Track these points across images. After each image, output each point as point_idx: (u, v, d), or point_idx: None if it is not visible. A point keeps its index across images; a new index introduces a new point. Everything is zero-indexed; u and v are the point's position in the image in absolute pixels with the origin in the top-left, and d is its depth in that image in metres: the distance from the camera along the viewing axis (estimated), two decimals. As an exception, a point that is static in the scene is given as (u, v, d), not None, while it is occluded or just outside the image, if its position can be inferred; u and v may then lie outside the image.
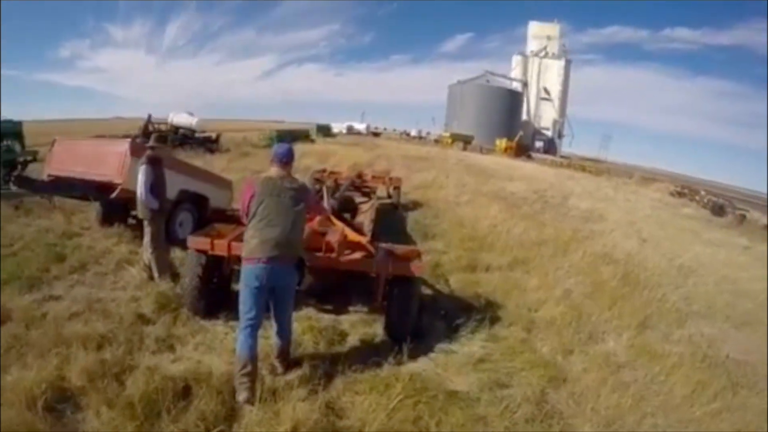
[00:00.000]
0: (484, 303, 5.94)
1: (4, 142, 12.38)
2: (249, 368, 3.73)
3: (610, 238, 11.89)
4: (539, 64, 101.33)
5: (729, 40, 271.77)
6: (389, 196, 13.22)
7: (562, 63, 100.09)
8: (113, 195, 7.27)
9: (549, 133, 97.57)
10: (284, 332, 4.16)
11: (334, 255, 5.19)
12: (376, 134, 74.01)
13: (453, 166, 27.89)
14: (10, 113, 13.96)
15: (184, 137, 24.99)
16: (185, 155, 18.77)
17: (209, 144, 25.48)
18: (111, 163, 7.43)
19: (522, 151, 60.52)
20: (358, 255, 5.50)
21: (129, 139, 8.21)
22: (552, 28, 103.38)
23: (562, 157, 74.13)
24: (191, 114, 26.75)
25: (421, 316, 5.33)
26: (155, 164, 6.13)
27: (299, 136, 39.17)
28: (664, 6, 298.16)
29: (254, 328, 3.84)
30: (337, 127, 66.51)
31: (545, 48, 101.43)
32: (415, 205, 13.49)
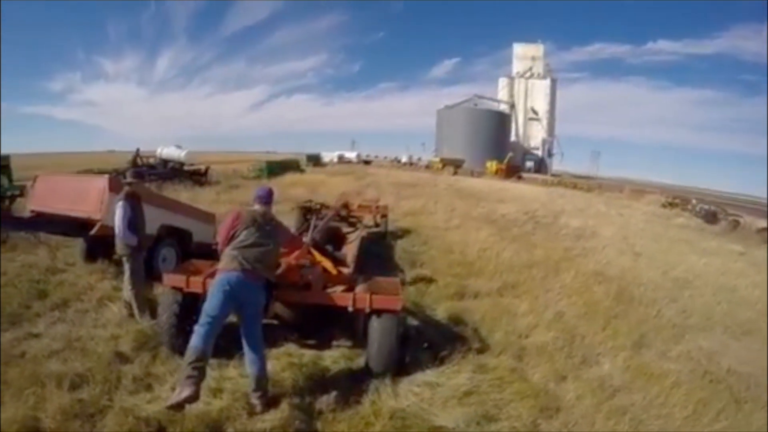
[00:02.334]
0: (471, 332, 5.73)
1: None
2: (201, 362, 3.70)
3: (603, 254, 11.75)
4: (526, 85, 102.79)
5: (711, 49, 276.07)
6: (377, 225, 13.00)
7: (547, 82, 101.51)
8: (92, 231, 7.16)
9: (539, 153, 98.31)
10: (257, 356, 4.13)
11: (310, 290, 5.05)
12: (366, 162, 74.32)
13: (443, 191, 27.91)
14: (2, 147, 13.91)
15: (173, 170, 25.06)
16: (174, 188, 18.79)
17: (198, 177, 25.63)
18: (90, 199, 7.34)
19: (513, 172, 60.77)
20: (337, 289, 5.34)
21: (107, 175, 8.08)
22: (536, 49, 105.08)
23: (552, 175, 74.59)
24: (180, 147, 26.88)
25: (405, 349, 5.12)
26: (133, 200, 6.04)
27: (289, 166, 39.19)
28: (645, 20, 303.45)
29: (213, 327, 3.86)
30: (328, 156, 66.85)
31: (530, 69, 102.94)
32: (404, 233, 13.29)
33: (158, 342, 5.15)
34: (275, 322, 5.44)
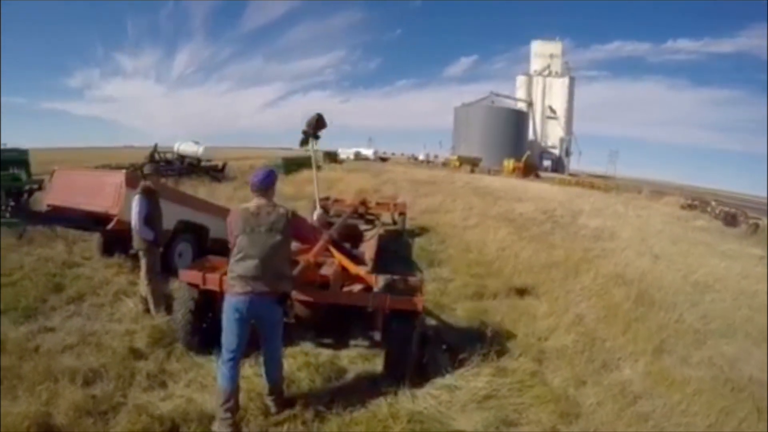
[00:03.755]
0: (491, 333, 5.67)
1: (11, 170, 12.48)
2: (231, 403, 3.62)
3: (623, 256, 11.60)
4: (543, 83, 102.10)
5: (730, 48, 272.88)
6: (394, 222, 12.99)
7: (566, 80, 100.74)
8: (109, 226, 7.24)
9: (556, 152, 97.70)
10: (274, 368, 4.01)
11: (328, 289, 5.01)
12: (383, 159, 74.31)
13: (460, 189, 27.82)
14: (19, 141, 14.14)
15: (190, 166, 25.27)
16: (191, 184, 18.93)
17: (215, 172, 25.71)
18: (107, 194, 7.41)
19: (530, 170, 60.36)
20: (355, 288, 5.33)
21: (124, 170, 8.16)
22: (555, 47, 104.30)
23: (570, 175, 73.99)
24: (197, 143, 27.08)
25: (423, 350, 5.07)
26: (150, 195, 6.06)
27: (306, 162, 39.16)
28: (665, 18, 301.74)
29: (236, 360, 3.72)
30: (345, 153, 66.74)
31: (548, 66, 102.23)
32: (422, 231, 13.27)
33: (174, 339, 5.16)
34: (292, 320, 5.46)
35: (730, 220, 24.36)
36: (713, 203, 29.28)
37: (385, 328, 4.94)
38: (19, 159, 13.31)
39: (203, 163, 26.23)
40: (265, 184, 3.88)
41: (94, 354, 4.84)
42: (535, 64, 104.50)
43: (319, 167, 39.25)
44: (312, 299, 4.96)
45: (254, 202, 3.85)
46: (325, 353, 5.26)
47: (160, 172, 20.30)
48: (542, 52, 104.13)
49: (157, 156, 24.99)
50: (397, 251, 10.45)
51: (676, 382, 5.10)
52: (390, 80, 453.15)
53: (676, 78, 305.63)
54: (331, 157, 54.17)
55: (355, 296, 5.15)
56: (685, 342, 6.43)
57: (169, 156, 26.04)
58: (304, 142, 6.94)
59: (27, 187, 12.21)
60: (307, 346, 5.37)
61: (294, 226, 3.91)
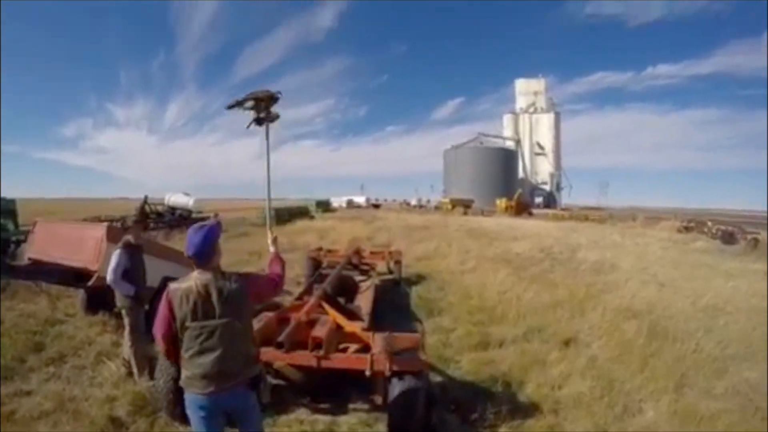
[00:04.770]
0: (501, 386, 5.33)
1: None
2: None
3: (627, 288, 11.32)
4: (530, 120, 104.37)
5: (709, 68, 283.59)
6: (390, 271, 12.76)
7: (551, 116, 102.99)
8: (90, 283, 6.98)
9: (547, 187, 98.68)
10: None
11: (321, 352, 4.68)
12: (376, 206, 74.97)
13: (455, 232, 27.66)
14: (12, 191, 14.06)
15: (181, 218, 25.27)
16: (181, 236, 18.73)
17: None
18: (87, 248, 7.17)
19: (523, 208, 60.70)
20: (352, 348, 5.05)
21: (105, 224, 7.91)
22: (538, 84, 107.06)
23: (562, 209, 74.54)
24: (188, 195, 27.30)
25: (430, 412, 4.71)
26: (131, 249, 5.80)
27: (299, 212, 39.28)
28: (643, 45, 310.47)
29: None
30: (337, 201, 67.36)
31: (534, 104, 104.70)
32: (419, 278, 12.94)
33: (156, 407, 4.80)
34: (283, 383, 5.10)
35: (728, 238, 24.23)
36: (709, 223, 29.20)
37: (386, 390, 4.60)
38: (6, 209, 13.15)
39: (194, 215, 26.24)
40: (207, 253, 2.94)
41: (72, 422, 4.57)
42: (521, 102, 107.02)
43: (312, 216, 39.47)
44: (304, 364, 4.67)
45: (196, 277, 2.91)
46: (322, 420, 4.87)
47: (144, 226, 20.19)
48: (526, 89, 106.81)
49: (147, 208, 24.92)
50: (394, 301, 10.16)
51: (704, 418, 4.83)
52: (379, 126, 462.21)
53: (660, 103, 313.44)
54: (324, 205, 54.45)
55: (351, 359, 4.83)
56: (706, 372, 6.12)
57: (159, 208, 26.09)
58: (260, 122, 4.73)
59: (14, 238, 12.00)
60: (302, 413, 4.99)
61: (252, 294, 3.06)
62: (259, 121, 4.54)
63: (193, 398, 2.92)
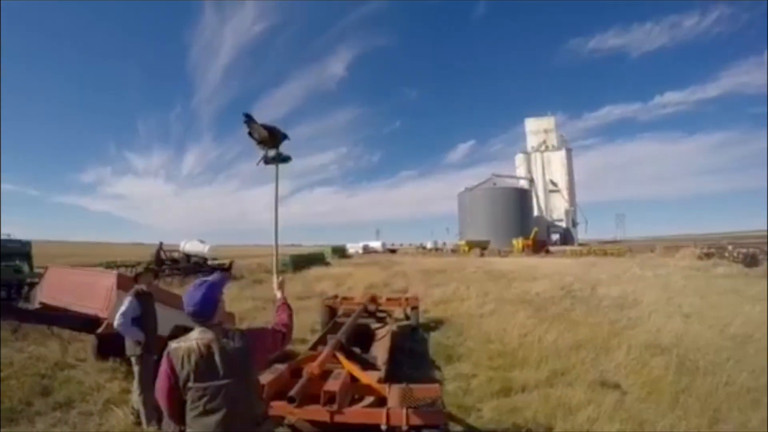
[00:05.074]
0: None
1: (13, 262, 12.35)
2: None
3: (652, 322, 11.05)
4: (542, 158, 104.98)
5: (715, 91, 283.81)
6: (407, 318, 12.54)
7: (563, 153, 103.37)
8: (99, 330, 6.96)
9: (563, 224, 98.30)
10: None
11: (335, 407, 4.52)
12: (392, 251, 75.01)
13: (472, 274, 27.45)
14: (29, 233, 14.21)
15: (196, 265, 25.28)
16: None
17: (222, 272, 25.61)
18: (98, 295, 7.17)
19: (540, 246, 60.35)
20: (367, 401, 4.91)
21: (116, 272, 7.91)
22: (548, 122, 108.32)
23: (580, 245, 73.79)
24: (203, 242, 27.28)
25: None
26: (142, 297, 5.79)
27: (315, 259, 39.24)
28: (648, 75, 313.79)
29: None
30: (353, 247, 67.43)
31: (545, 141, 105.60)
32: (437, 324, 12.67)
33: None
34: None
35: (751, 261, 23.81)
36: (730, 247, 28.80)
37: None
38: (22, 251, 13.27)
39: (209, 262, 26.37)
40: (209, 310, 2.78)
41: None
42: (532, 141, 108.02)
43: (327, 263, 39.32)
44: (317, 419, 4.52)
45: (198, 336, 2.75)
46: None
47: (155, 273, 20.26)
48: (537, 128, 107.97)
49: (162, 254, 25.07)
50: (412, 349, 9.90)
51: (744, 456, 4.55)
52: (393, 172, 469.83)
53: (669, 131, 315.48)
54: (339, 252, 54.41)
55: (365, 414, 4.65)
56: (740, 405, 5.88)
57: (175, 255, 26.20)
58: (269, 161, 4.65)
59: (28, 280, 12.09)
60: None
61: (257, 350, 2.89)
62: (266, 160, 4.55)
63: None
